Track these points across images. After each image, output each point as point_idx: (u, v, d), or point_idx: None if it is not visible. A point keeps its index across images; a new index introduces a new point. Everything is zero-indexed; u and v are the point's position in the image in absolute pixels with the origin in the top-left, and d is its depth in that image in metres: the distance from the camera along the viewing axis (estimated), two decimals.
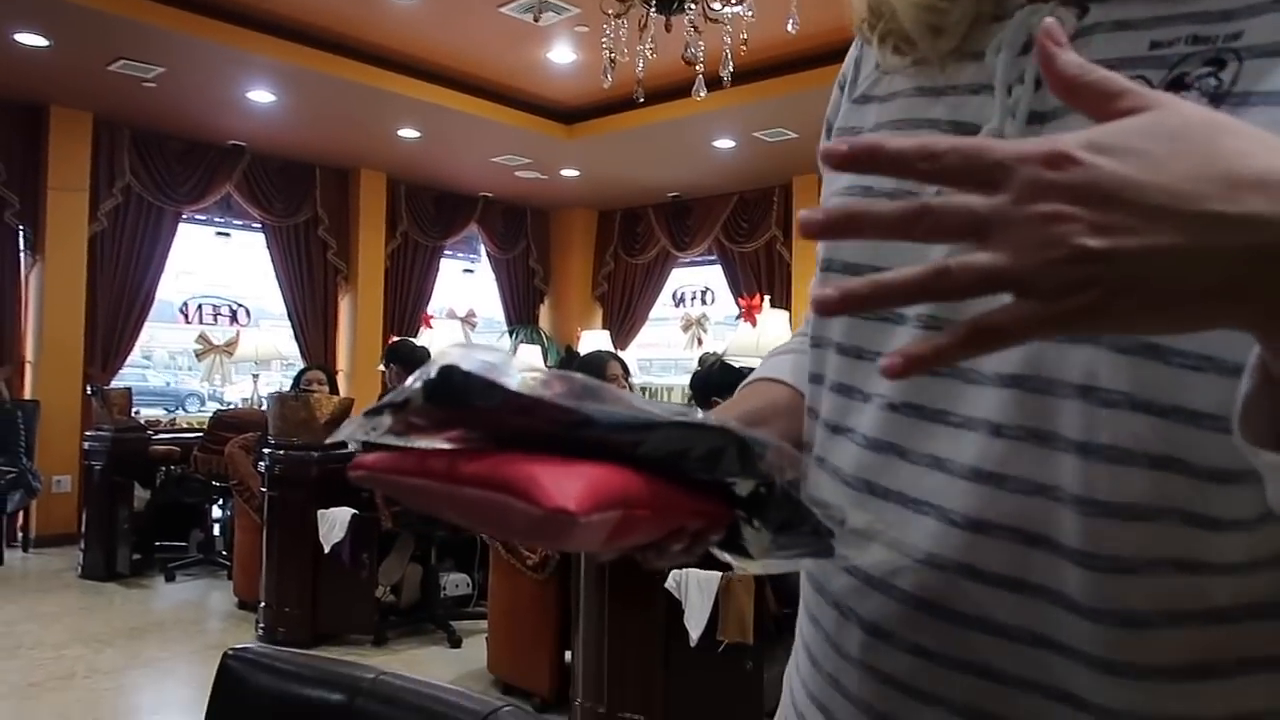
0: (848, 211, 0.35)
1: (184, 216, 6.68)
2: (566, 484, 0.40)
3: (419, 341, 5.64)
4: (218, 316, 7.37)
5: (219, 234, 7.28)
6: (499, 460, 0.42)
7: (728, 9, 2.86)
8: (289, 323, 7.25)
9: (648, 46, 2.98)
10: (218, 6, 4.81)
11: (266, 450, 3.98)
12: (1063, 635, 0.47)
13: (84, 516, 5.12)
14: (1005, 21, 0.54)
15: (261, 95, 5.72)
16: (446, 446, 0.43)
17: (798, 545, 0.46)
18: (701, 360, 5.07)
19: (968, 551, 0.48)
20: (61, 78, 5.40)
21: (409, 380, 0.43)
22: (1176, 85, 0.47)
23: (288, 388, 5.14)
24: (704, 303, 8.46)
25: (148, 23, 4.64)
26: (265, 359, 6.46)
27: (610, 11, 2.91)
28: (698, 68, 2.96)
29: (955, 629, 0.49)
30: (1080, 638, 0.46)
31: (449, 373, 0.42)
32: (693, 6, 2.75)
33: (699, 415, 0.45)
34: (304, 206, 7.23)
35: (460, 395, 0.41)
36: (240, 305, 7.50)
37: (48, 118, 5.89)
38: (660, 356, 9.09)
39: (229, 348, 6.48)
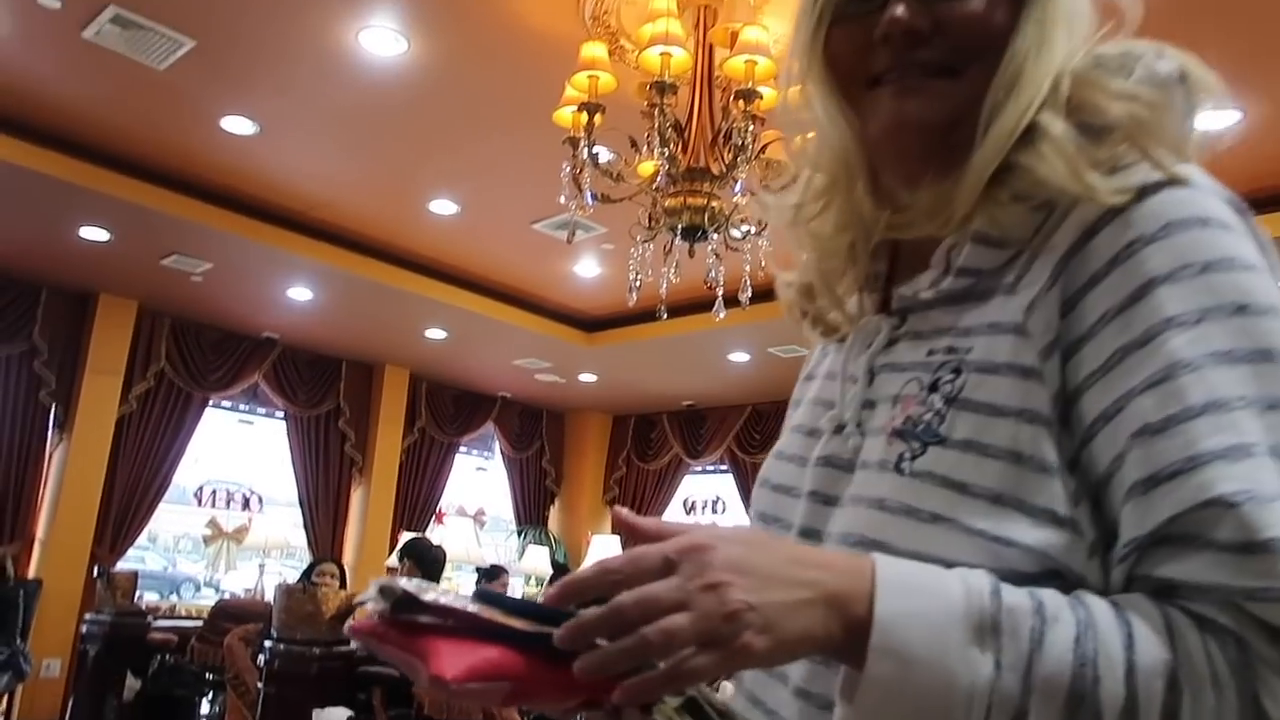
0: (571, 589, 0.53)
1: (210, 403, 6.86)
2: (455, 658, 0.52)
3: (432, 537, 5.62)
4: (230, 502, 7.39)
5: (242, 421, 7.43)
6: (433, 637, 0.54)
7: (748, 239, 3.08)
8: (299, 512, 7.26)
9: (671, 270, 3.18)
10: (270, 211, 5.16)
11: (268, 644, 3.91)
12: None
13: (70, 704, 4.95)
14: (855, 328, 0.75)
15: (300, 293, 6.02)
16: (425, 620, 0.55)
17: None
18: None
19: None
20: (115, 268, 5.72)
21: (370, 591, 0.57)
22: (933, 388, 0.64)
23: (293, 578, 5.09)
24: (715, 511, 8.44)
25: (204, 223, 4.97)
26: (273, 548, 6.42)
27: (638, 237, 3.13)
28: (718, 290, 3.15)
29: None
30: None
31: (388, 590, 0.57)
32: (715, 236, 2.96)
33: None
34: (328, 398, 7.41)
35: (403, 605, 0.56)
36: (253, 492, 7.54)
37: (96, 304, 6.17)
38: None
39: (238, 534, 6.47)
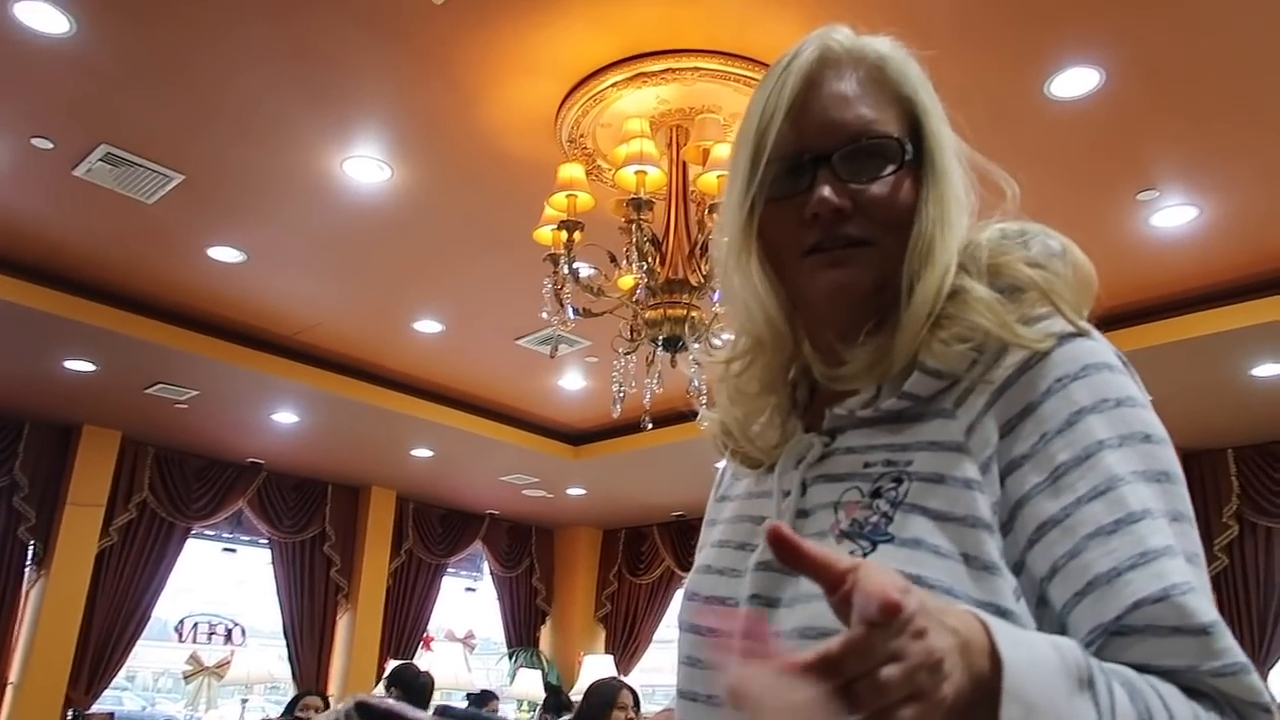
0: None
1: (193, 532, 6.74)
2: None
3: (420, 664, 5.47)
4: (212, 635, 7.19)
5: (225, 550, 7.30)
6: None
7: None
8: (284, 642, 7.06)
9: (655, 381, 3.22)
10: (255, 337, 5.21)
11: None
12: None
13: None
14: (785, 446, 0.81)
15: (286, 417, 6.01)
16: None
17: None
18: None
19: None
20: (100, 399, 5.71)
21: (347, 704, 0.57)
22: (875, 494, 0.71)
23: (276, 714, 4.91)
24: None
25: (190, 351, 5.00)
26: (256, 682, 6.21)
27: (620, 349, 3.17)
28: (701, 399, 3.17)
29: None
30: None
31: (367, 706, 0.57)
32: (696, 346, 3.00)
33: None
34: (313, 523, 7.30)
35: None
36: (236, 624, 7.34)
37: (79, 436, 6.13)
38: (665, 683, 8.70)
39: (220, 669, 6.27)
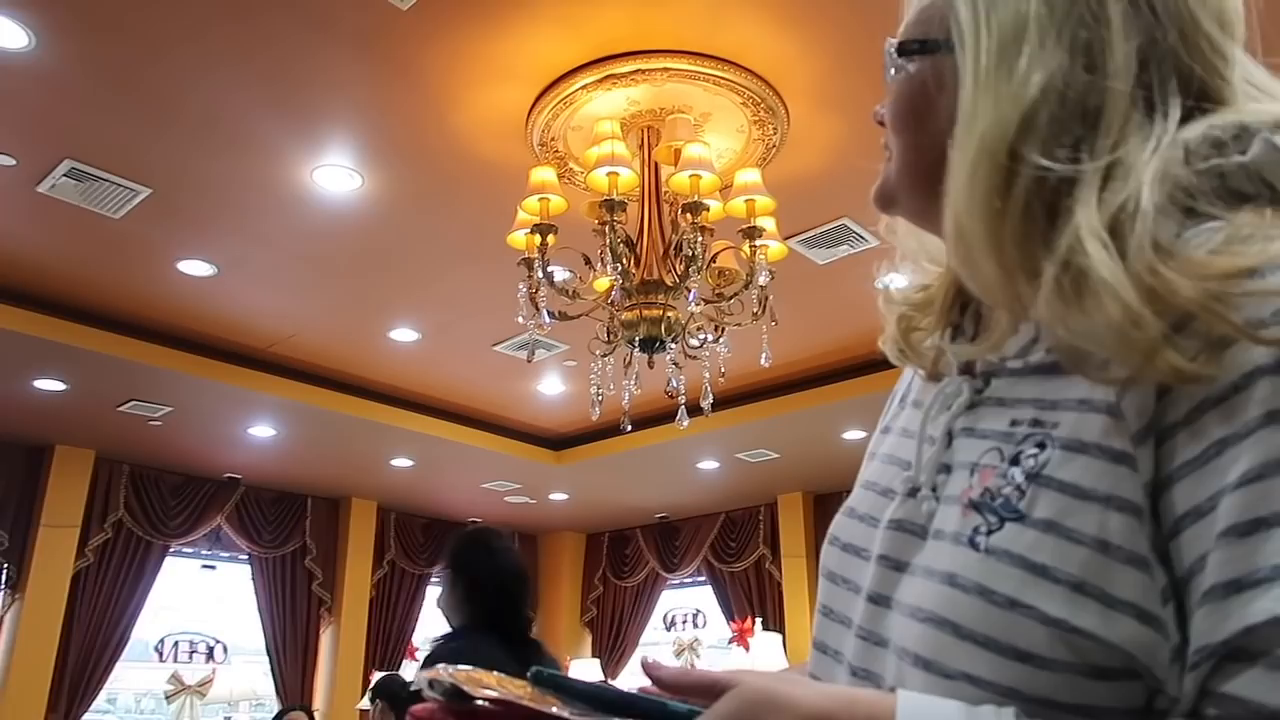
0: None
1: (171, 550, 6.66)
2: None
3: (405, 674, 5.43)
4: (193, 654, 7.10)
5: (204, 567, 7.21)
6: None
7: (705, 347, 3.12)
8: (266, 658, 6.99)
9: (633, 382, 3.21)
10: (229, 350, 5.15)
11: None
12: None
13: None
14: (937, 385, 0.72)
15: (263, 430, 5.95)
16: (483, 706, 0.56)
17: None
18: None
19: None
20: (72, 418, 5.63)
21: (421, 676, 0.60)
22: (1014, 460, 0.60)
23: None
24: (696, 625, 8.25)
25: (163, 367, 4.93)
26: (239, 699, 6.15)
27: (597, 352, 3.16)
28: (680, 399, 3.17)
29: None
30: None
31: (437, 684, 0.58)
32: (673, 346, 3.00)
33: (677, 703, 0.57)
34: (293, 536, 7.24)
35: (455, 696, 0.57)
36: (218, 642, 7.26)
37: (51, 457, 6.04)
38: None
39: (202, 688, 6.19)
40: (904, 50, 0.70)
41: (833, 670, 0.70)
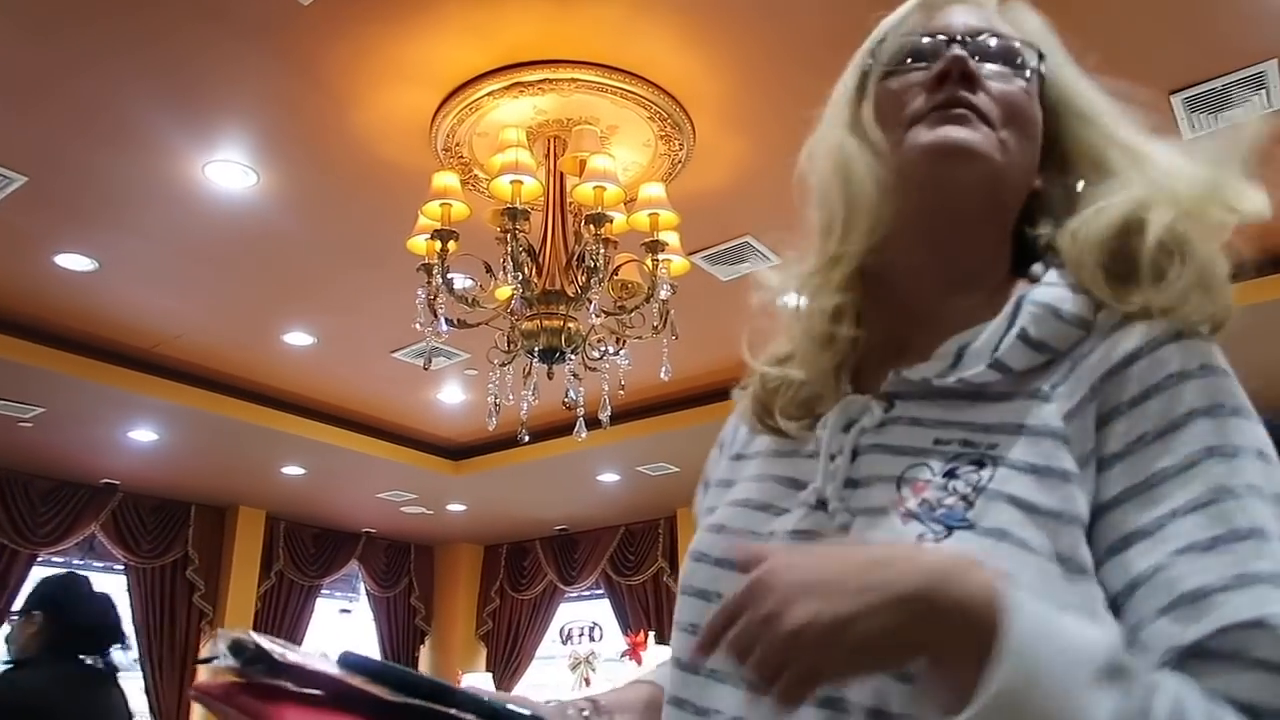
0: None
1: (39, 559, 6.29)
2: None
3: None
4: None
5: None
6: (287, 704, 0.51)
7: (605, 359, 3.12)
8: (140, 675, 6.65)
9: (531, 392, 3.18)
10: (109, 350, 4.91)
11: None
12: None
13: None
14: (834, 405, 0.73)
15: (143, 434, 5.69)
16: (280, 684, 0.52)
17: None
18: None
19: None
20: None
21: (219, 645, 0.55)
22: (950, 475, 0.63)
23: None
24: (593, 639, 8.22)
25: (35, 365, 4.67)
26: None
27: (496, 361, 3.13)
28: (578, 411, 3.16)
29: None
30: None
31: (240, 645, 0.54)
32: (573, 357, 2.99)
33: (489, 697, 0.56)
34: (174, 546, 6.94)
35: (255, 662, 0.53)
36: None
37: None
38: (547, 699, 8.62)
39: None
40: (1035, 55, 0.73)
41: (706, 688, 0.68)
